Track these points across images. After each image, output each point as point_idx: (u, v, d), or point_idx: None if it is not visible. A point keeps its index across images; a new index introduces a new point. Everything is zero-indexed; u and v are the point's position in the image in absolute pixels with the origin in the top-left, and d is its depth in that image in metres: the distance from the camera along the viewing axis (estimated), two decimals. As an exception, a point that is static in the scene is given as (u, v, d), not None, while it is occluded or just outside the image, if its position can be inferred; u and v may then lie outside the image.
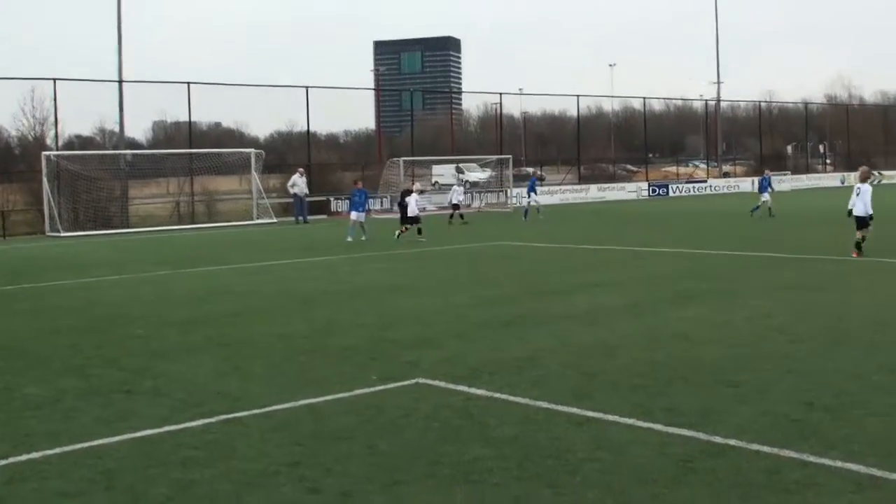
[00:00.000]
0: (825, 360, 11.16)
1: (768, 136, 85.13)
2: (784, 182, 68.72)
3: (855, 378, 10.17)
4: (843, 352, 11.62)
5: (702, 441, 7.98)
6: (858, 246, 22.04)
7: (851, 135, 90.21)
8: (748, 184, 71.51)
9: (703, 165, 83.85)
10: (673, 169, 79.36)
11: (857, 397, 9.35)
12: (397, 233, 31.89)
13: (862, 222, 22.19)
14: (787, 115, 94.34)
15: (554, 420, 8.73)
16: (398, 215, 39.20)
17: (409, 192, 38.17)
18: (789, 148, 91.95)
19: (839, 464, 7.34)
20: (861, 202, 22.14)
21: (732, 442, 7.91)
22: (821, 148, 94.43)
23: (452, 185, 46.02)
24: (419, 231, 31.22)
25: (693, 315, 14.51)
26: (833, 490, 6.82)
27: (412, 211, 32.45)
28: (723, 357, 11.41)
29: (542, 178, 69.87)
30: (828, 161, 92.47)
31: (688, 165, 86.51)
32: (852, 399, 9.29)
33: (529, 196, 43.79)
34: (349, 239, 31.13)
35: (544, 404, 9.24)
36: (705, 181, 71.84)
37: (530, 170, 72.45)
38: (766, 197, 38.66)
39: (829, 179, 77.54)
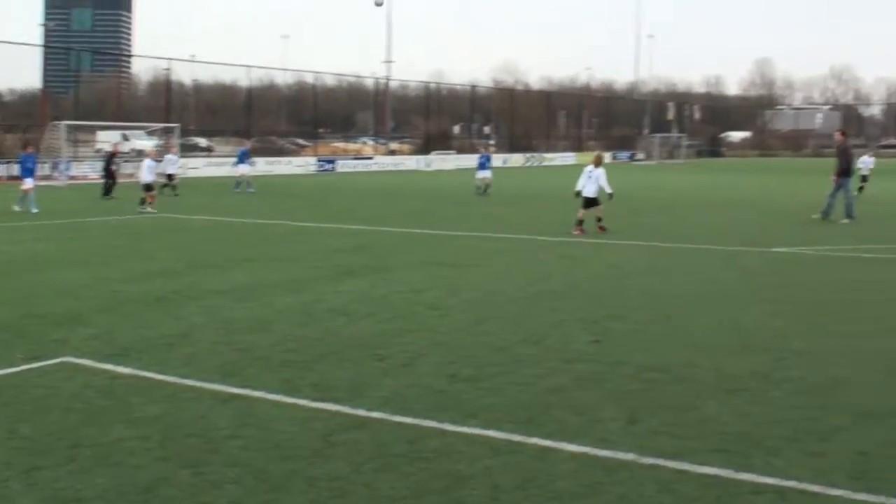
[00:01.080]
0: (472, 333, 11.60)
1: (436, 116, 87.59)
2: (448, 161, 70.86)
3: (499, 350, 10.63)
4: (490, 325, 12.11)
5: (346, 415, 8.11)
6: (580, 223, 23.53)
7: (516, 118, 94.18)
8: (413, 161, 73.38)
9: (371, 142, 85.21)
10: (342, 145, 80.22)
11: (500, 368, 9.78)
12: (147, 206, 29.73)
13: (591, 202, 23.91)
14: (455, 97, 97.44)
15: (201, 398, 8.63)
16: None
17: (113, 155, 36.50)
18: (456, 128, 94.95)
19: (478, 431, 7.66)
20: (594, 184, 23.88)
21: (376, 414, 8.09)
22: (486, 129, 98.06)
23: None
24: (141, 201, 29.74)
25: (349, 290, 14.71)
26: (470, 456, 7.09)
27: (146, 177, 30.25)
28: (374, 332, 11.64)
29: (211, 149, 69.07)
30: (491, 142, 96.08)
31: (356, 142, 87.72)
32: (496, 370, 9.70)
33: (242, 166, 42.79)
34: (27, 209, 29.37)
35: (192, 382, 9.12)
36: (372, 158, 73.09)
37: (201, 141, 71.26)
38: (487, 174, 39.69)
39: (492, 160, 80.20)
